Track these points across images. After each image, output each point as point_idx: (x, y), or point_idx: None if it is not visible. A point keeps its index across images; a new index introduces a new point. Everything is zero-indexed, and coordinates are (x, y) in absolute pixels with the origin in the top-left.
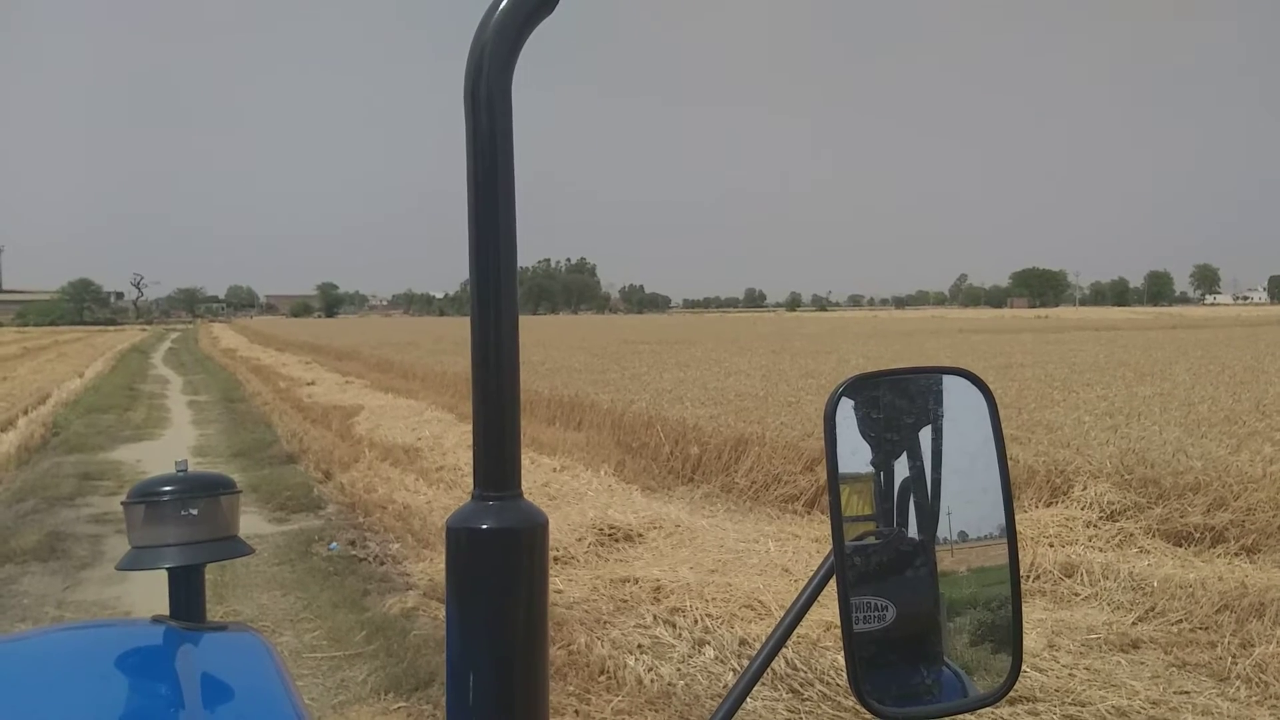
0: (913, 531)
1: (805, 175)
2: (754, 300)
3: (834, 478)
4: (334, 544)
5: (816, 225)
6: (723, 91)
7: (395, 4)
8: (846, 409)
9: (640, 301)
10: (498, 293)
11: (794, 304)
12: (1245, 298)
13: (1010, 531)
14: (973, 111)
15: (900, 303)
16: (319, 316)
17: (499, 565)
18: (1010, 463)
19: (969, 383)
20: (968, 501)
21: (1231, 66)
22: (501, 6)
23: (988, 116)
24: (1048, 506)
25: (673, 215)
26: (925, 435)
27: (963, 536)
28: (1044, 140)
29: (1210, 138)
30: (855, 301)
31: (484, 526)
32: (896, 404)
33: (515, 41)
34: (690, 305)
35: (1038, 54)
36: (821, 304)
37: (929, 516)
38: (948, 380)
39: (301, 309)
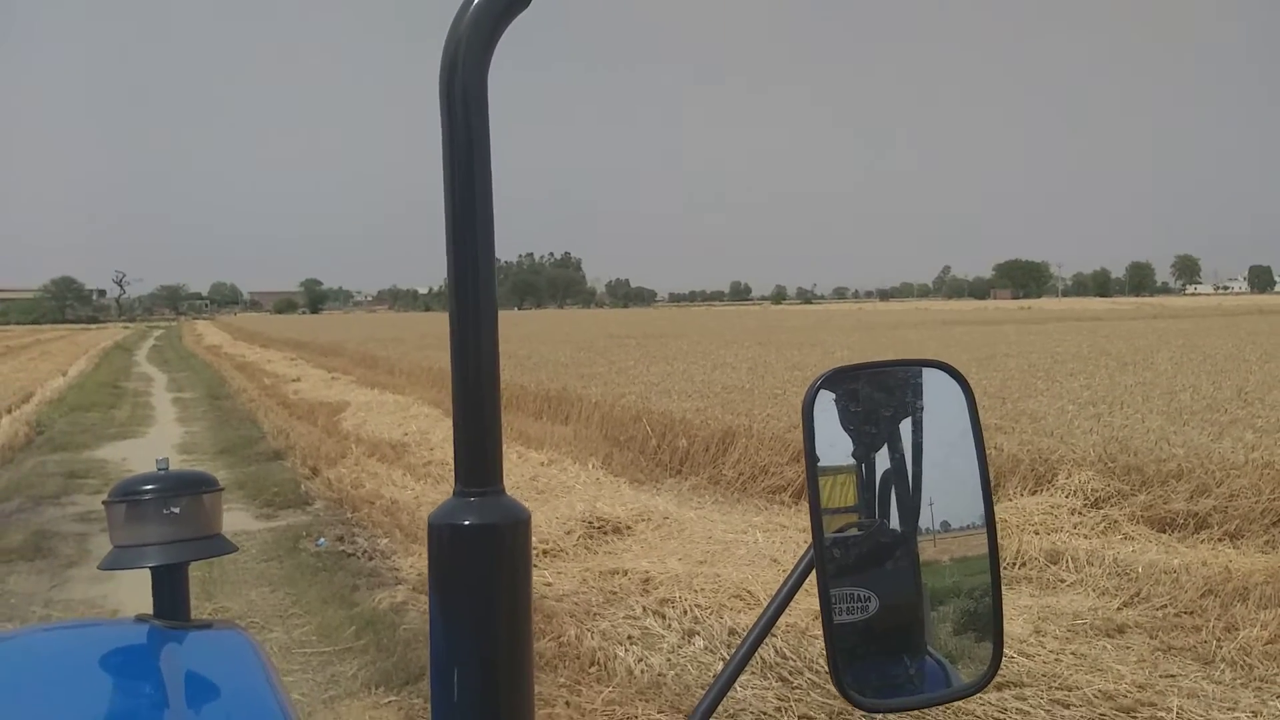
0: (894, 523)
1: (789, 169)
2: (739, 293)
3: (813, 470)
4: (322, 539)
5: (801, 218)
6: (708, 83)
7: (380, 2)
8: (825, 402)
9: (626, 295)
10: (476, 289)
11: (779, 297)
12: (1226, 287)
13: (990, 521)
14: (956, 104)
15: (885, 295)
16: (303, 313)
17: (482, 561)
18: (995, 452)
19: (947, 375)
20: (948, 492)
21: (1213, 61)
22: (476, 1)
23: (971, 109)
24: (1033, 494)
25: (658, 208)
26: (905, 427)
27: (945, 526)
28: (1026, 132)
29: (1191, 129)
30: (840, 294)
31: (466, 523)
32: (875, 397)
33: (490, 36)
34: (676, 299)
35: (1019, 47)
36: (807, 297)
37: (910, 507)
38: (926, 373)
39: (286, 305)
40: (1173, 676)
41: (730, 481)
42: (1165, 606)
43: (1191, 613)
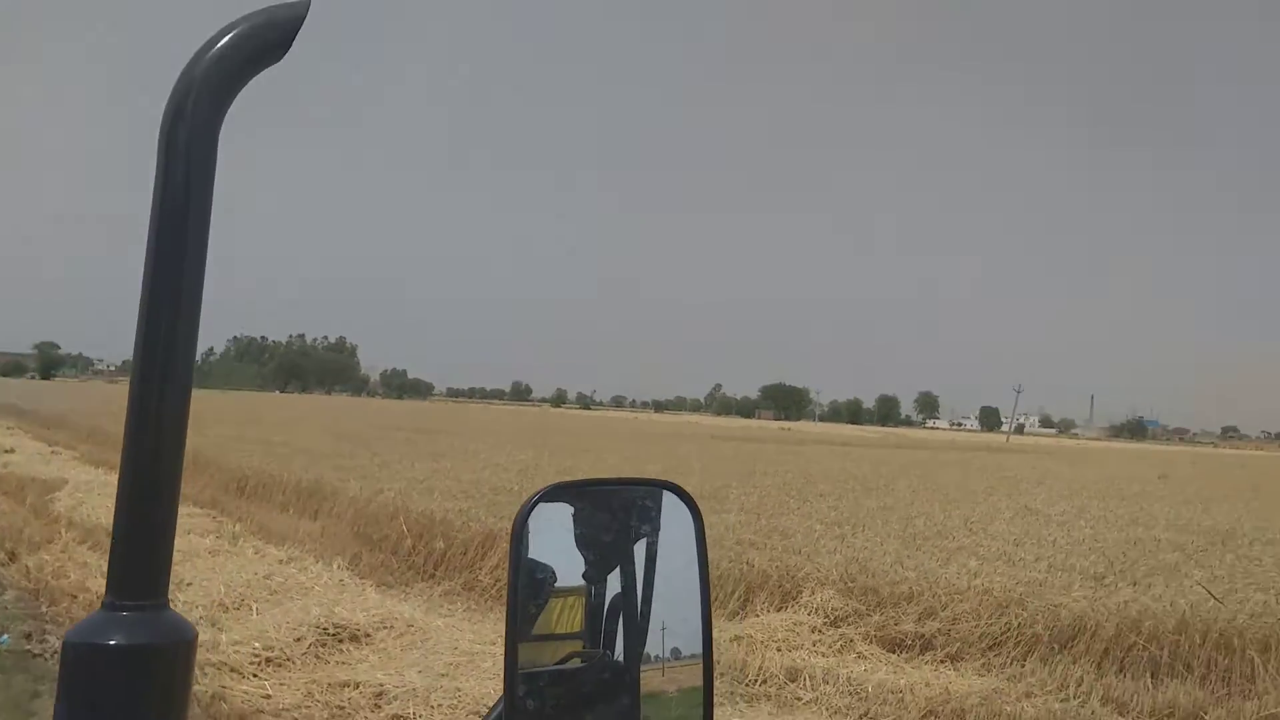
0: (619, 652)
1: (574, 277)
2: (520, 394)
3: (514, 599)
4: (5, 636)
5: (584, 324)
6: (495, 179)
7: (118, 43)
8: (548, 519)
9: (401, 387)
10: (169, 363)
11: (559, 400)
12: (959, 424)
13: (706, 650)
14: (725, 232)
15: (659, 406)
16: (32, 378)
17: (128, 690)
18: (747, 567)
19: (676, 497)
20: (678, 619)
21: (958, 214)
22: (218, 45)
23: (737, 238)
24: (778, 611)
25: (441, 302)
26: (639, 549)
27: (675, 654)
28: (797, 265)
29: (934, 285)
30: (618, 402)
31: (112, 642)
32: (597, 518)
33: (229, 87)
34: (454, 394)
35: (782, 175)
36: (586, 402)
37: (636, 635)
38: (654, 493)
39: (13, 368)
40: None
41: (486, 588)
42: None
43: None
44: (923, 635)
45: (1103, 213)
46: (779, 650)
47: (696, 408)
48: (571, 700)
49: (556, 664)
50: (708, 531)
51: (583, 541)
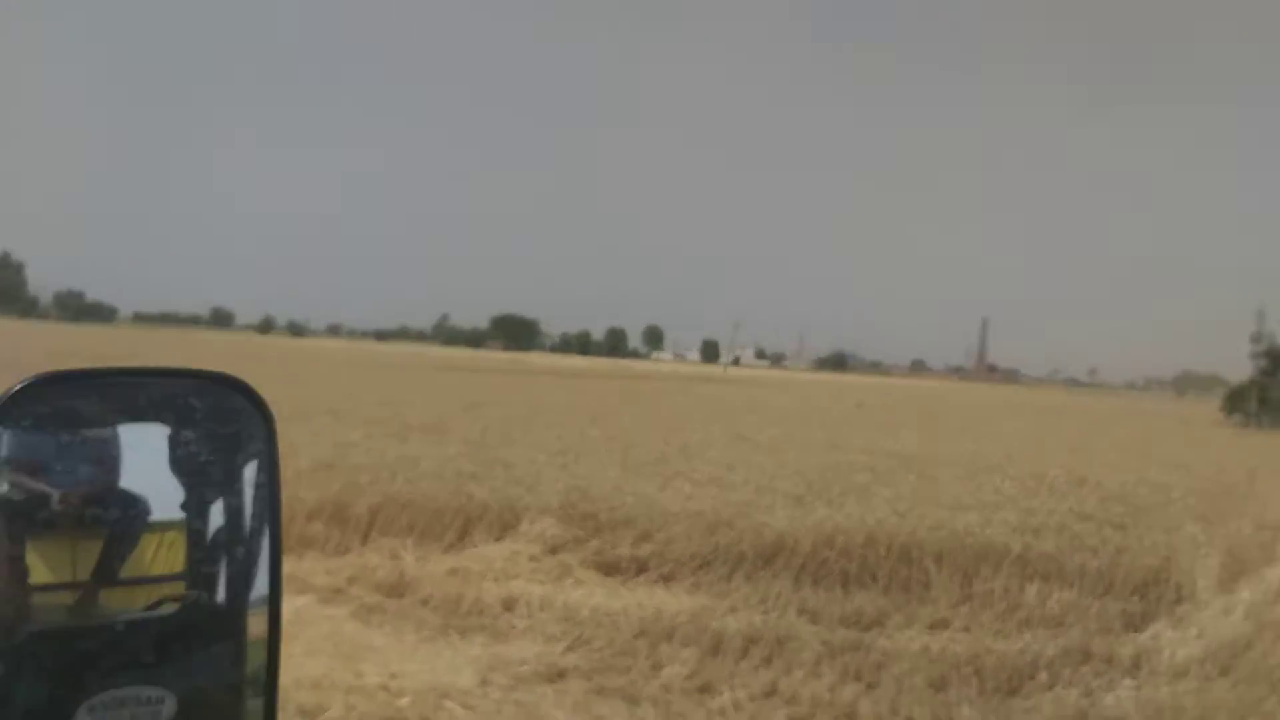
0: (221, 593)
1: (272, 186)
2: (221, 319)
3: None
4: None
5: (292, 241)
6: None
7: None
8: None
9: (79, 310)
10: None
11: (267, 327)
12: (682, 356)
13: (275, 579)
14: (453, 151)
15: (381, 335)
16: None
17: None
18: (466, 500)
19: (241, 395)
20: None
21: (658, 155)
22: None
23: (469, 158)
24: (497, 542)
25: (127, 213)
26: (244, 473)
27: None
28: (523, 189)
29: (670, 214)
30: (334, 330)
31: None
32: (89, 413)
33: None
34: (142, 319)
35: (504, 96)
36: (298, 330)
37: (243, 571)
38: (215, 391)
39: None
40: (602, 718)
41: None
42: (603, 649)
43: (625, 654)
44: (638, 558)
45: (804, 148)
46: (495, 581)
47: (422, 337)
48: (162, 644)
49: (145, 610)
50: (439, 464)
51: (179, 464)
